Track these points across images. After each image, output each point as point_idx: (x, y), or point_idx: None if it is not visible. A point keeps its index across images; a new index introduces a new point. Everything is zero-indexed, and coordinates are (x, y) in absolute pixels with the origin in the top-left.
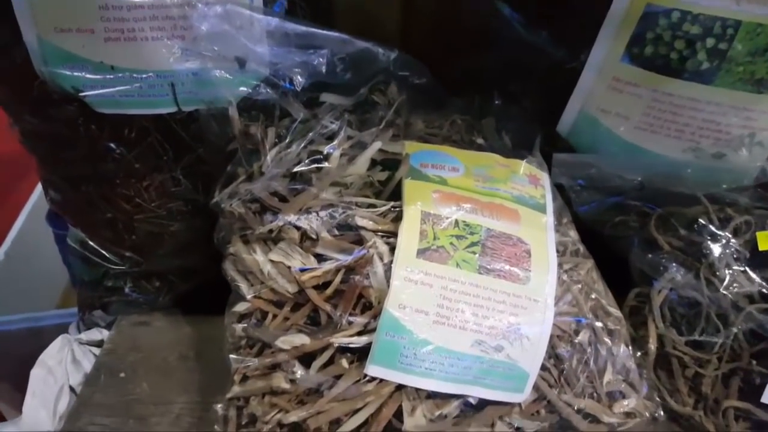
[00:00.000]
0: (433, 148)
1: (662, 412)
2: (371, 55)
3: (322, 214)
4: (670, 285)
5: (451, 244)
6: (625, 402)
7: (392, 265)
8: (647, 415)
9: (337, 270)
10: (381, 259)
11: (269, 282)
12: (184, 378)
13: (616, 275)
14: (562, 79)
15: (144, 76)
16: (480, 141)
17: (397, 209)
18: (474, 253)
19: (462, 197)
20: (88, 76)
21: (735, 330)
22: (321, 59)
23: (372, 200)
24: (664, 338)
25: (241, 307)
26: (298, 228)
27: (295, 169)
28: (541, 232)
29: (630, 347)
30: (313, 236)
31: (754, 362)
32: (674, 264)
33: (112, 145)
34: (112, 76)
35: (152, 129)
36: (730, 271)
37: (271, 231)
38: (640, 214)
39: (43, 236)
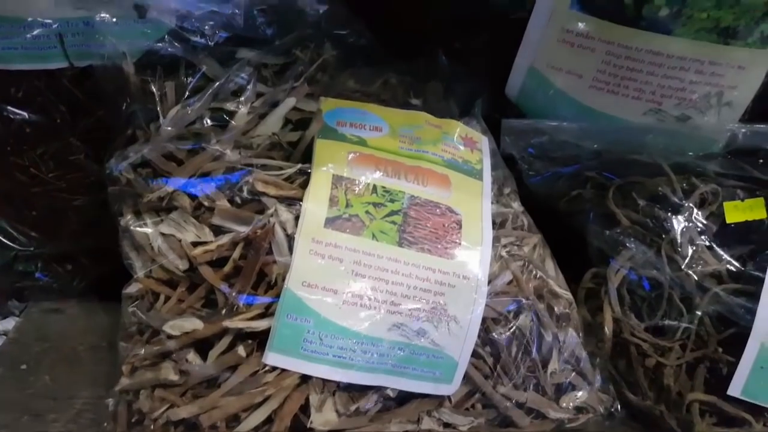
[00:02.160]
0: (352, 105)
1: (619, 407)
2: (296, 8)
3: (220, 178)
4: (628, 264)
5: (367, 212)
6: (576, 395)
7: (295, 237)
8: (601, 410)
9: (235, 243)
10: (284, 229)
11: (159, 258)
12: (92, 370)
13: (575, 255)
14: (508, 32)
15: (27, 24)
16: (416, 102)
17: (307, 172)
18: (394, 222)
19: (382, 160)
20: None
21: (700, 314)
22: (237, 10)
23: (278, 162)
24: (622, 324)
25: (132, 288)
26: (191, 196)
27: (195, 130)
28: (474, 201)
29: (581, 333)
30: (207, 204)
31: (721, 350)
32: (633, 240)
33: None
34: None
35: (43, 87)
36: (694, 247)
37: (161, 198)
38: (597, 186)
39: None
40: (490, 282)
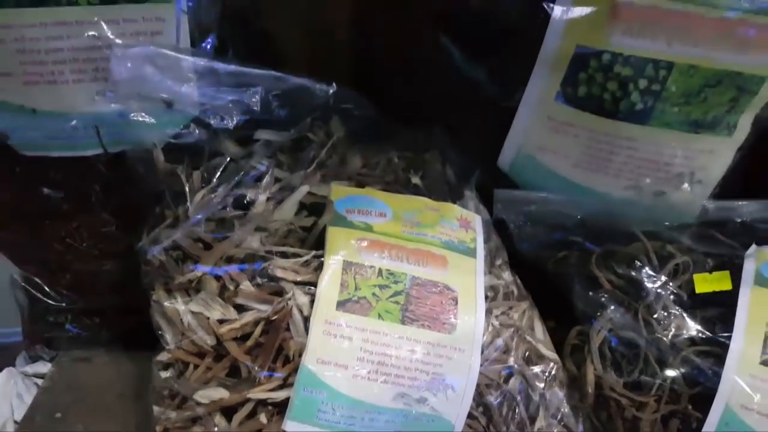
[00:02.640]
0: (360, 193)
1: None
2: (308, 90)
3: (244, 266)
4: (609, 325)
5: (374, 294)
6: None
7: (311, 319)
8: None
9: (257, 322)
10: (300, 311)
11: (189, 333)
12: (121, 419)
13: (563, 310)
14: (500, 116)
15: (67, 119)
16: (416, 181)
17: (320, 258)
18: (397, 303)
19: (387, 244)
20: (9, 119)
21: (672, 373)
22: (254, 97)
23: (295, 249)
24: (603, 380)
25: (163, 357)
26: (217, 278)
27: (219, 215)
28: (469, 278)
29: (565, 390)
30: (232, 287)
31: (690, 406)
32: (613, 303)
33: (39, 186)
34: (34, 120)
35: (79, 171)
36: (667, 313)
37: (190, 281)
38: (582, 252)
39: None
40: (483, 351)
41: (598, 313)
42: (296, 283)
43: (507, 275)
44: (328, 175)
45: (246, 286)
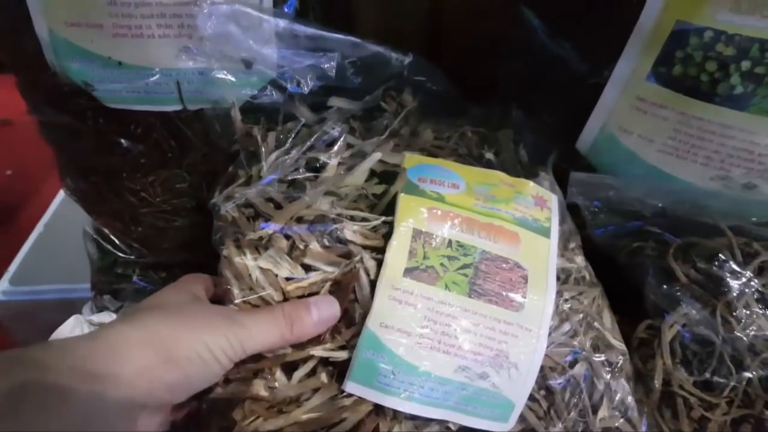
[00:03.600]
0: (433, 162)
1: None
2: (384, 59)
3: (314, 224)
4: (683, 320)
5: (442, 264)
6: None
7: (377, 283)
8: None
9: (324, 282)
10: (368, 274)
11: (257, 288)
12: None
13: (632, 303)
14: (584, 94)
15: (150, 73)
16: (489, 156)
17: (389, 224)
18: (465, 275)
19: (458, 216)
20: (96, 70)
21: (748, 375)
22: (331, 62)
23: (364, 214)
24: (671, 376)
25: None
26: (287, 237)
27: (291, 177)
28: (541, 258)
29: (631, 383)
30: (302, 246)
31: (766, 411)
32: (690, 298)
33: (119, 139)
34: (119, 72)
35: (158, 126)
36: (749, 312)
37: (261, 238)
38: (659, 243)
39: (81, 211)
40: (550, 333)
41: (672, 308)
42: (365, 247)
43: (580, 260)
44: (400, 144)
45: (315, 246)
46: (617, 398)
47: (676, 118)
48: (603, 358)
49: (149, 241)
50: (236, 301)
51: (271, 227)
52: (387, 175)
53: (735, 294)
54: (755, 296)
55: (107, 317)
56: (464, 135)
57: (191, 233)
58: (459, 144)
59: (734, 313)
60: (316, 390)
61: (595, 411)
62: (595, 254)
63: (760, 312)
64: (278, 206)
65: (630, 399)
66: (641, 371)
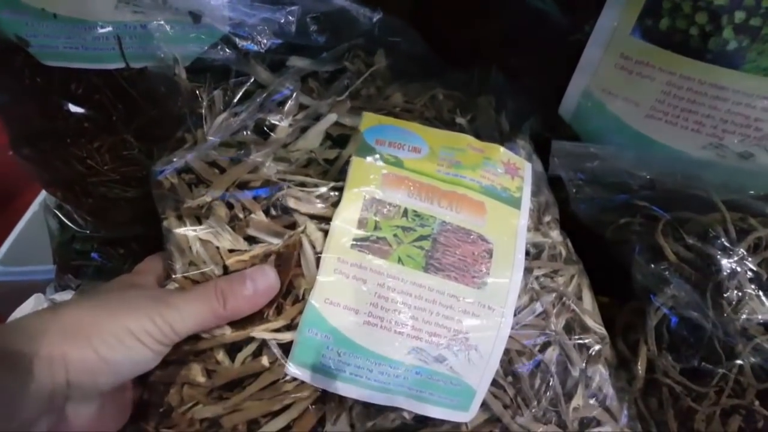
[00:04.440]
0: (393, 123)
1: None
2: (350, 16)
3: (257, 191)
4: (670, 302)
5: (395, 236)
6: (599, 431)
7: (322, 255)
8: None
9: (267, 255)
10: (313, 246)
11: (197, 262)
12: None
13: (620, 283)
14: (565, 54)
15: (88, 26)
16: (461, 121)
17: (340, 191)
18: (422, 248)
19: (417, 183)
20: (29, 23)
21: (740, 362)
22: (290, 17)
23: (313, 179)
24: (656, 363)
25: (171, 286)
26: (229, 205)
27: (238, 140)
28: (509, 231)
29: (611, 369)
30: (243, 216)
31: (757, 402)
32: (679, 278)
33: (60, 101)
34: (55, 25)
35: (101, 86)
36: (741, 294)
37: (200, 206)
38: (648, 218)
39: None
40: (517, 313)
41: (660, 288)
42: (311, 216)
43: (555, 234)
44: (362, 107)
45: (259, 215)
46: (594, 386)
47: (664, 78)
48: (578, 342)
49: (102, 214)
50: (176, 276)
51: (211, 194)
52: (344, 140)
53: (726, 273)
54: (748, 276)
55: (68, 296)
56: (435, 98)
57: (145, 205)
58: (428, 107)
59: (725, 295)
60: (258, 374)
61: (568, 399)
62: (580, 231)
63: (754, 293)
64: (222, 170)
65: (608, 387)
66: (627, 357)
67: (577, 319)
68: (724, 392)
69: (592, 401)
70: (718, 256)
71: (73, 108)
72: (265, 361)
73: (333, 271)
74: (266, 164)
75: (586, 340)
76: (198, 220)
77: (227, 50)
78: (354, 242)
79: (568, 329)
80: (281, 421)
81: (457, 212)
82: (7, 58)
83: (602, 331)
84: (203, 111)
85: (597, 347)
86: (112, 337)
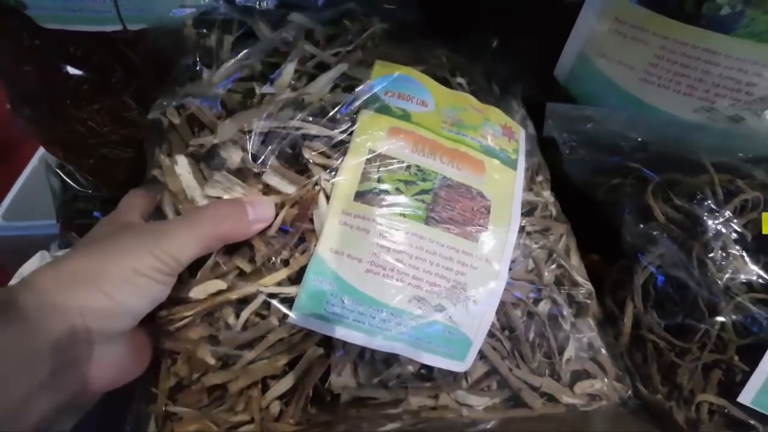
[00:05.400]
0: (406, 73)
1: (632, 396)
2: None
3: (270, 137)
4: (657, 261)
5: (398, 189)
6: (590, 383)
7: (327, 206)
8: (615, 398)
9: (282, 205)
10: (327, 197)
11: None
12: None
13: (611, 243)
14: (561, 17)
15: None
16: (460, 80)
17: (347, 142)
18: (423, 201)
19: (422, 138)
20: None
21: (722, 319)
22: None
23: (324, 129)
24: (642, 319)
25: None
26: (243, 149)
27: (246, 86)
28: (506, 190)
29: (597, 323)
30: (253, 164)
31: (737, 357)
32: (667, 238)
33: (59, 63)
34: None
35: (99, 48)
36: (725, 254)
37: (202, 146)
38: (639, 179)
39: None
40: (511, 268)
41: (647, 248)
42: (324, 167)
43: (547, 194)
44: (367, 61)
45: (274, 162)
46: (584, 339)
47: (658, 43)
48: (568, 296)
49: (103, 174)
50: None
51: (220, 135)
52: (351, 89)
53: (712, 234)
54: (733, 237)
55: None
56: (437, 57)
57: (145, 166)
58: (430, 65)
59: (710, 255)
60: (263, 336)
61: (561, 351)
62: (573, 192)
63: (738, 254)
64: (230, 113)
65: (597, 340)
66: (615, 314)
67: (567, 274)
68: (706, 347)
69: (582, 354)
70: (705, 217)
71: (72, 70)
72: (274, 320)
73: (338, 221)
74: (276, 110)
75: (575, 294)
76: (198, 169)
77: (228, 7)
78: (358, 194)
79: (558, 283)
80: (289, 381)
81: (458, 169)
82: (5, 21)
83: (589, 286)
84: (212, 58)
85: (585, 301)
86: (119, 280)
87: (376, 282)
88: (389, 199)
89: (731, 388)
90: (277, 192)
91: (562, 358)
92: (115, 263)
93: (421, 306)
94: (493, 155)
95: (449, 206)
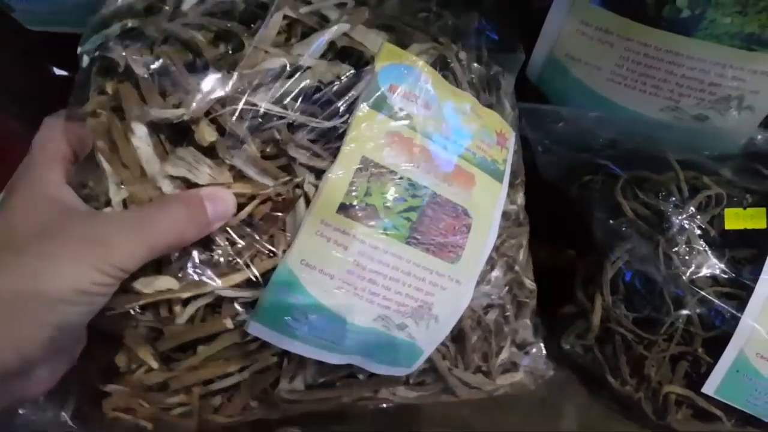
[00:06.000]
0: (412, 64)
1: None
2: None
3: (251, 119)
4: (626, 256)
5: (385, 204)
6: (517, 374)
7: (305, 214)
8: (532, 386)
9: (252, 197)
10: (307, 203)
11: (149, 189)
12: None
13: (585, 238)
14: (531, 18)
15: None
16: (469, 77)
17: (340, 140)
18: (408, 219)
19: (420, 148)
20: None
21: (687, 312)
22: None
23: (313, 120)
24: (611, 313)
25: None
26: (220, 128)
27: (219, 25)
28: (489, 206)
29: (533, 319)
30: (226, 150)
31: (701, 349)
32: (634, 234)
33: (48, 67)
34: None
35: None
36: (689, 249)
37: (176, 119)
38: (610, 176)
39: None
40: (478, 284)
41: (616, 244)
42: (310, 168)
43: (521, 199)
44: (374, 22)
45: (252, 149)
46: (520, 337)
47: (622, 45)
48: (514, 298)
49: None
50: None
51: (192, 109)
52: (348, 55)
53: (676, 230)
54: (697, 232)
55: None
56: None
57: None
58: (439, 43)
59: (675, 249)
60: (214, 336)
61: (498, 353)
62: (547, 188)
63: (702, 248)
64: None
65: (530, 334)
66: (585, 308)
67: (517, 278)
68: (673, 340)
69: (514, 350)
70: (670, 213)
71: (59, 72)
72: (228, 323)
73: (315, 232)
74: (266, 80)
75: (519, 295)
76: (158, 139)
77: None
78: (342, 206)
79: (510, 289)
80: (235, 379)
81: (449, 184)
82: None
83: (533, 286)
84: None
85: (527, 300)
86: (58, 302)
87: (346, 300)
88: (374, 215)
89: (697, 379)
90: (250, 180)
91: (498, 359)
92: (51, 283)
93: (385, 324)
94: (484, 168)
95: (433, 226)
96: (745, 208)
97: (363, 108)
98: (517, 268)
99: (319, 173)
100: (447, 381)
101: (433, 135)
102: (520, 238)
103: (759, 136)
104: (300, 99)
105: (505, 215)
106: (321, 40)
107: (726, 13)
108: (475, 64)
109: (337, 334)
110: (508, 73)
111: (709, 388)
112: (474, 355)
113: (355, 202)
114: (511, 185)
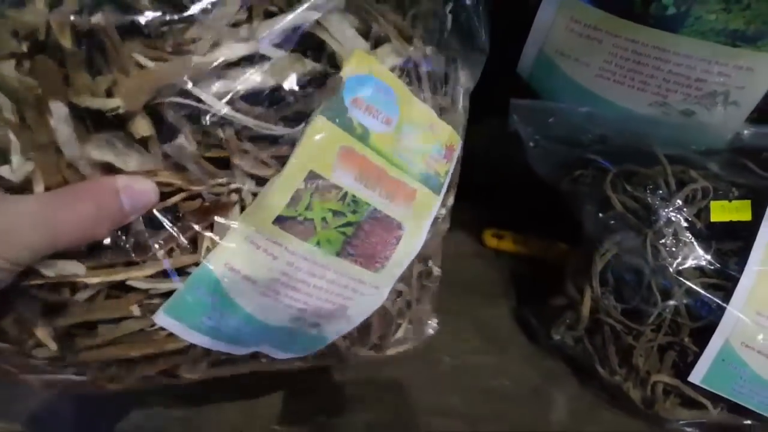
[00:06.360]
0: (381, 77)
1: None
2: None
3: (191, 111)
4: (615, 248)
5: (323, 219)
6: (405, 346)
7: (239, 219)
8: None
9: (180, 190)
10: (242, 209)
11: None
12: None
13: (578, 233)
14: (522, 16)
15: None
16: (429, 51)
17: (289, 146)
18: (344, 234)
19: (371, 166)
20: None
21: (674, 303)
22: None
23: (264, 124)
24: (600, 304)
25: None
26: (156, 115)
27: None
28: (423, 219)
29: (432, 302)
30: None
31: (688, 339)
32: (623, 227)
33: None
34: None
35: None
36: (676, 241)
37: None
38: (599, 171)
39: None
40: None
41: (606, 236)
42: (251, 176)
43: (450, 201)
44: (349, 9)
45: (191, 144)
46: (416, 317)
47: (611, 41)
48: (419, 289)
49: None
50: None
51: (128, 101)
52: (317, 48)
53: (663, 222)
54: (684, 225)
55: None
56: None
57: None
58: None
59: (662, 242)
60: (117, 320)
61: (393, 333)
62: (540, 182)
63: (688, 240)
64: (149, 40)
65: (429, 315)
66: (575, 299)
67: (428, 270)
68: (660, 330)
69: (409, 326)
70: (657, 206)
71: None
72: (136, 311)
73: (245, 239)
74: (218, 65)
75: (427, 284)
76: (85, 123)
77: None
78: (279, 218)
79: (419, 279)
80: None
81: (391, 201)
82: None
83: (439, 271)
84: None
85: (429, 285)
86: None
87: (265, 304)
88: (310, 230)
89: (684, 368)
90: (184, 171)
91: (393, 338)
92: None
93: (299, 323)
94: (426, 183)
95: (366, 240)
96: (730, 201)
97: (320, 120)
98: (430, 262)
99: (261, 181)
100: (346, 357)
101: (386, 153)
102: (439, 236)
103: (745, 131)
104: (254, 98)
105: (434, 221)
106: (285, 21)
107: (711, 10)
108: (439, 55)
109: (249, 332)
110: (472, 67)
111: (696, 377)
112: (374, 336)
113: (293, 216)
114: (448, 189)
